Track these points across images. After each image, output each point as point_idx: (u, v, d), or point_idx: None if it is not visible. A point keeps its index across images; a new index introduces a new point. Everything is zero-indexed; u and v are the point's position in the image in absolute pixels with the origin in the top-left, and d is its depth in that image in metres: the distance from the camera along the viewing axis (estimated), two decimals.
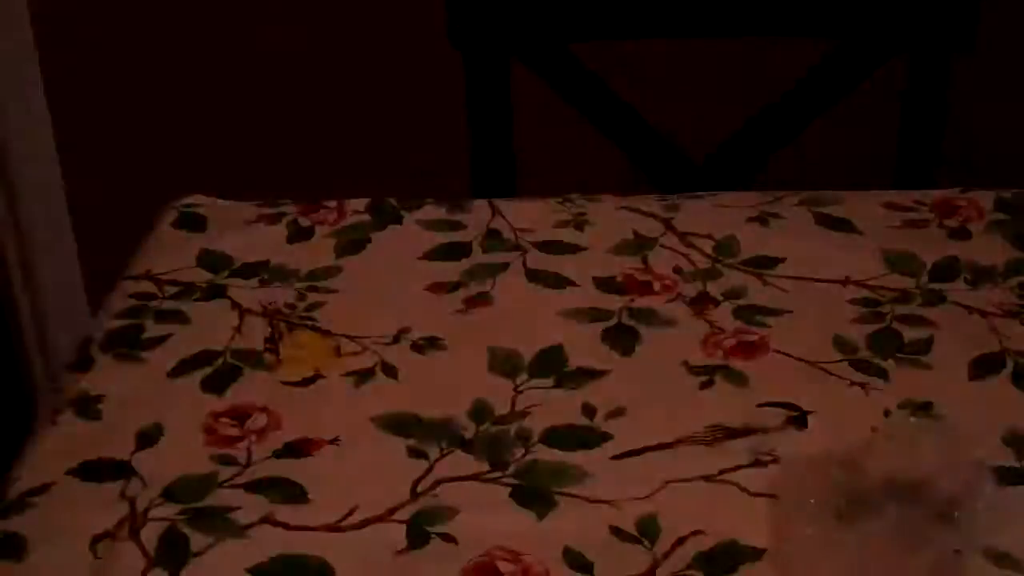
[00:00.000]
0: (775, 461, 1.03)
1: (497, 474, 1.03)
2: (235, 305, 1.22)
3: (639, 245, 1.30)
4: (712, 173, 1.64)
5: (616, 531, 0.98)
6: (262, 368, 1.15)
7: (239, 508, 1.00)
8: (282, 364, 1.15)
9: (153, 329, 1.20)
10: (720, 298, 1.22)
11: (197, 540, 0.97)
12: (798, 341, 1.16)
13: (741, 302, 1.22)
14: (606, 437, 1.06)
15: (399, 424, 1.08)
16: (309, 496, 1.01)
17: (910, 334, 1.17)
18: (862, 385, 1.11)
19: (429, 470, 1.03)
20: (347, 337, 1.18)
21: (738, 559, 0.95)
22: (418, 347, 1.17)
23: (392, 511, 0.99)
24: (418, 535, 0.98)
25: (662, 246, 1.30)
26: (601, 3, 1.65)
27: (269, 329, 1.19)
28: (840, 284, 1.24)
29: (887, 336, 1.17)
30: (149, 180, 1.77)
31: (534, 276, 1.26)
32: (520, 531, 0.98)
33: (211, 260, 1.29)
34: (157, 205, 1.38)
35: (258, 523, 0.99)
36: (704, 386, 1.12)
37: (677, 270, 1.26)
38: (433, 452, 1.05)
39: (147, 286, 1.26)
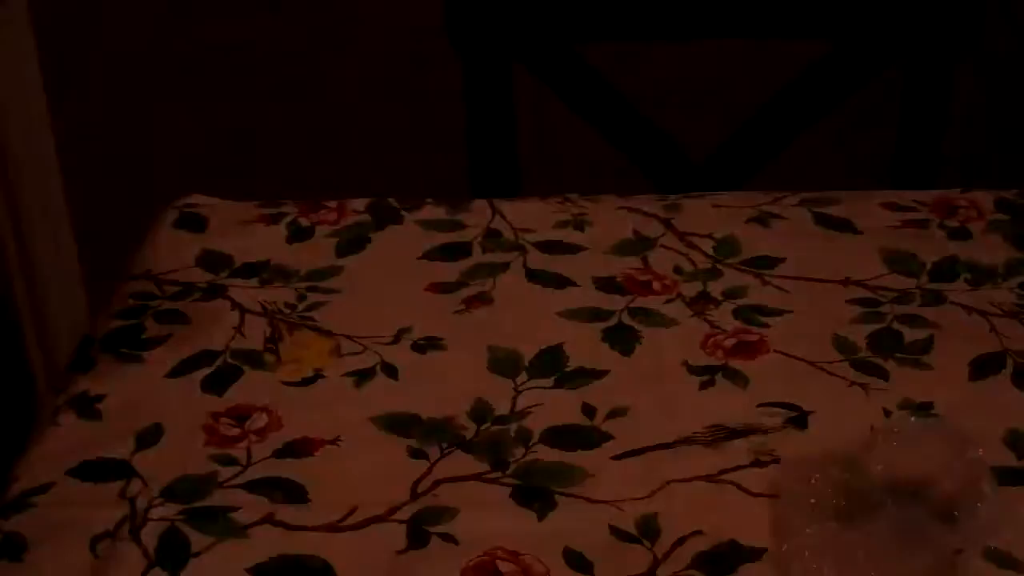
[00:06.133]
0: (775, 461, 1.03)
1: (497, 474, 1.03)
2: (235, 305, 1.22)
3: (639, 245, 1.30)
4: (712, 173, 1.64)
5: (616, 531, 0.98)
6: (262, 368, 1.15)
7: (239, 508, 1.00)
8: (282, 364, 1.15)
9: (153, 329, 1.19)
10: (720, 298, 1.22)
11: (197, 540, 0.97)
12: (798, 341, 1.16)
13: (741, 302, 1.22)
14: (606, 437, 1.06)
15: (399, 424, 1.08)
16: (309, 496, 1.01)
17: (910, 334, 1.17)
18: (862, 385, 1.11)
19: (429, 470, 1.03)
20: (347, 337, 1.18)
21: (738, 559, 0.95)
22: (418, 347, 1.17)
23: (392, 511, 0.99)
24: (418, 535, 0.98)
25: (662, 246, 1.29)
26: (601, 6, 1.65)
27: (269, 329, 1.19)
28: (840, 284, 1.24)
29: (887, 336, 1.17)
30: (149, 180, 1.77)
31: (534, 276, 1.26)
32: (520, 531, 0.98)
33: (211, 260, 1.29)
34: (157, 205, 1.38)
35: (258, 523, 0.99)
36: (704, 386, 1.12)
37: (677, 270, 1.26)
38: (433, 452, 1.05)
39: (147, 286, 1.26)
